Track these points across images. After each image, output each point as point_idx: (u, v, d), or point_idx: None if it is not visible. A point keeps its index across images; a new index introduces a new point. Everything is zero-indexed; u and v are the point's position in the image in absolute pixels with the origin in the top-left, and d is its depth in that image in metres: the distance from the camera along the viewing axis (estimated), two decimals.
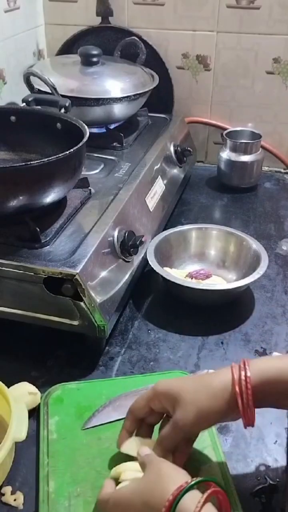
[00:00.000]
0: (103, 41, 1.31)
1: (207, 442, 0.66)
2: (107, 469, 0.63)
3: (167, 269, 0.92)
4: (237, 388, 0.55)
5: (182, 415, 0.57)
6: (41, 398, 0.72)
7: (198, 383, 0.59)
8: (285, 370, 0.55)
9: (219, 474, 0.62)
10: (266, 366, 0.57)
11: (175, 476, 0.52)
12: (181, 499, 0.48)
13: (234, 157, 1.27)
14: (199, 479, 0.51)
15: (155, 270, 0.89)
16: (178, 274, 0.93)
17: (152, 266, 0.90)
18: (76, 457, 0.65)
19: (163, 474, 0.53)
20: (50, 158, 0.73)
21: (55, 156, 0.74)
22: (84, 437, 0.67)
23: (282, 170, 1.42)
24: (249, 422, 0.56)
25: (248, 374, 0.55)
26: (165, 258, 0.96)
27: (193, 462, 0.63)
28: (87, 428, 0.68)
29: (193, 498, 0.49)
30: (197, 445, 0.65)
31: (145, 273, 0.95)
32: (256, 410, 0.56)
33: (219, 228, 1.02)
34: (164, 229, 1.05)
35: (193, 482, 0.50)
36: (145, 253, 0.92)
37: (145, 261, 0.92)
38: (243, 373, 0.56)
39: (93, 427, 0.69)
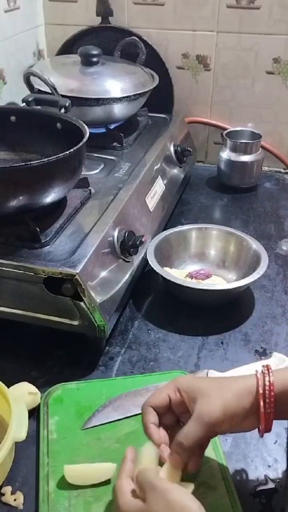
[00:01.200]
0: (103, 41, 1.31)
1: None
2: None
3: (167, 269, 0.92)
4: (260, 390, 0.55)
5: (208, 408, 0.55)
6: (41, 398, 0.72)
7: (221, 381, 0.59)
8: None
9: (219, 474, 0.62)
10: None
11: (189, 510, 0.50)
12: None
13: (234, 157, 1.27)
14: None
15: (155, 270, 0.89)
16: (178, 274, 0.93)
17: (152, 266, 0.90)
18: (76, 457, 0.65)
19: (174, 505, 0.50)
20: (50, 158, 0.73)
21: (55, 156, 0.74)
22: (84, 437, 0.67)
23: (282, 170, 1.42)
24: (268, 427, 0.56)
25: (272, 379, 0.55)
26: (165, 258, 0.96)
27: None
28: (87, 428, 0.68)
29: None
30: None
31: (145, 273, 0.95)
32: None
33: (219, 228, 1.02)
34: (164, 229, 1.05)
35: None
36: (145, 253, 0.92)
37: (145, 261, 0.92)
38: (267, 378, 0.55)
39: (93, 427, 0.69)
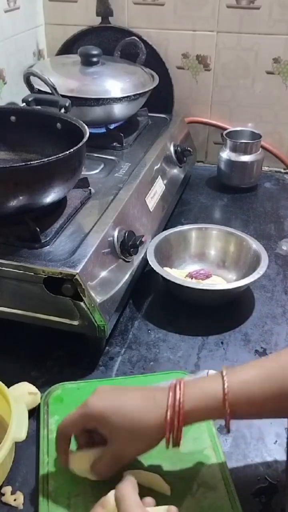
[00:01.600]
0: (103, 41, 1.31)
1: (207, 442, 0.66)
2: None
3: (167, 269, 0.92)
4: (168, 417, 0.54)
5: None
6: (41, 397, 0.72)
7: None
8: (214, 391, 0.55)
9: (219, 474, 0.62)
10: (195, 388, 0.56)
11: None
12: None
13: (234, 157, 1.27)
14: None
15: (155, 270, 0.89)
16: (178, 274, 0.93)
17: (152, 266, 0.90)
18: None
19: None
20: (50, 158, 0.73)
21: (55, 156, 0.74)
22: None
23: (282, 170, 1.42)
24: (176, 441, 0.55)
25: (181, 398, 0.55)
26: (165, 258, 0.96)
27: (193, 463, 0.63)
28: None
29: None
30: (197, 445, 0.65)
31: (145, 273, 0.95)
32: None
33: (219, 228, 1.02)
34: (164, 229, 1.05)
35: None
36: (145, 253, 0.92)
37: (145, 261, 0.92)
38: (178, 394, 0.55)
39: None
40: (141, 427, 0.55)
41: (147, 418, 0.55)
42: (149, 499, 0.54)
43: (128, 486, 0.52)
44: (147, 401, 0.56)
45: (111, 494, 0.53)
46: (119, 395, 0.59)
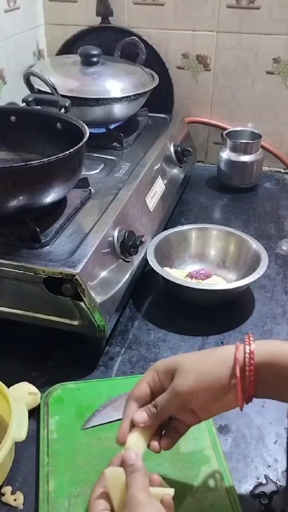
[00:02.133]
0: (103, 41, 1.31)
1: (207, 442, 0.66)
2: None
3: (167, 269, 0.92)
4: (238, 357, 0.53)
5: (181, 379, 0.54)
6: (41, 398, 0.72)
7: (202, 353, 0.58)
8: None
9: (218, 474, 0.62)
10: (272, 346, 0.54)
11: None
12: None
13: (234, 157, 1.27)
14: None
15: (155, 270, 0.89)
16: (178, 274, 0.93)
17: (152, 266, 0.90)
18: (76, 457, 0.65)
19: None
20: (50, 158, 0.73)
21: (55, 156, 0.74)
22: (84, 437, 0.67)
23: (282, 170, 1.42)
24: (247, 397, 0.53)
25: (253, 348, 0.53)
26: (165, 258, 0.96)
27: (194, 463, 0.63)
28: (87, 428, 0.68)
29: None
30: (197, 445, 0.65)
31: (145, 273, 0.95)
32: (256, 410, 0.56)
33: (219, 228, 1.02)
34: (164, 229, 1.05)
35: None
36: (145, 253, 0.92)
37: (145, 261, 0.92)
38: (248, 346, 0.53)
39: (93, 427, 0.69)
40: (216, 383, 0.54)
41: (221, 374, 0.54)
42: (155, 476, 0.54)
43: (141, 471, 0.51)
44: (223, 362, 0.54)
45: (107, 471, 0.53)
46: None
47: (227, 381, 0.53)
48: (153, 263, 0.90)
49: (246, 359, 0.52)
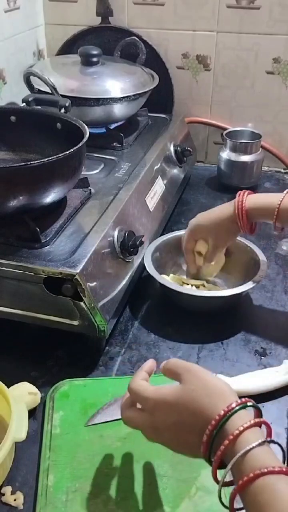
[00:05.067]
0: (103, 41, 1.31)
1: None
2: (107, 466, 0.63)
3: (164, 276, 0.91)
4: (237, 203, 0.86)
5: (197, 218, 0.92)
6: (47, 392, 0.72)
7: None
8: (272, 203, 0.85)
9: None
10: (258, 198, 0.87)
11: (225, 393, 0.53)
12: (229, 417, 0.49)
13: (234, 157, 1.27)
14: (249, 403, 0.52)
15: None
16: (176, 280, 0.92)
17: (149, 272, 0.88)
18: (77, 453, 0.65)
19: (211, 386, 0.53)
20: (50, 158, 0.73)
21: (55, 156, 0.74)
22: (86, 433, 0.68)
23: (282, 170, 1.42)
24: (245, 228, 0.87)
25: (245, 199, 0.86)
26: (162, 264, 0.94)
27: (194, 466, 0.63)
28: (90, 425, 0.69)
29: (241, 418, 0.50)
30: None
31: (145, 273, 0.95)
32: None
33: None
34: (164, 229, 1.05)
35: (246, 405, 0.51)
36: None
37: None
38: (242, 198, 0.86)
39: (96, 424, 0.69)
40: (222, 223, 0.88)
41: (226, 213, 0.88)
42: (150, 362, 0.62)
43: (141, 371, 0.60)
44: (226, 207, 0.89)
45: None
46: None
47: (231, 219, 0.87)
48: (150, 269, 0.89)
49: (239, 205, 0.85)
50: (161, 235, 1.02)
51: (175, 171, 1.19)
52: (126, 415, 0.58)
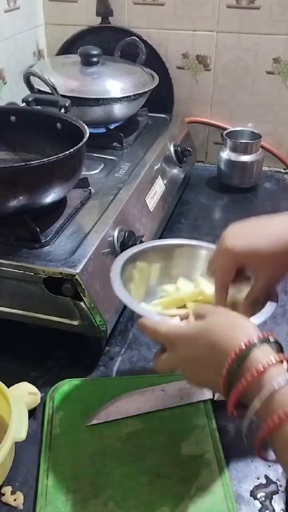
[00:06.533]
0: (103, 41, 1.31)
1: (209, 447, 0.66)
2: (107, 467, 0.63)
3: (143, 304, 0.71)
4: None
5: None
6: (47, 392, 0.72)
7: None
8: None
9: (218, 478, 0.62)
10: None
11: (247, 327, 0.51)
12: (251, 351, 0.47)
13: (234, 157, 1.27)
14: (272, 339, 0.49)
15: None
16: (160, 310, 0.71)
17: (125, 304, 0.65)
18: (77, 453, 0.65)
19: (232, 320, 0.52)
20: (50, 158, 0.73)
21: (55, 156, 0.74)
22: (86, 433, 0.68)
23: (282, 170, 1.42)
24: None
25: None
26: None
27: (194, 466, 0.63)
28: (90, 425, 0.69)
29: (264, 353, 0.47)
30: (199, 449, 0.66)
31: None
32: None
33: (208, 247, 0.76)
34: (164, 229, 1.05)
35: (269, 339, 0.49)
36: None
37: None
38: None
39: (96, 424, 0.69)
40: None
41: None
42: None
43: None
44: None
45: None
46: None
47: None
48: (124, 297, 0.65)
49: None
50: (161, 235, 1.03)
51: (175, 171, 1.19)
52: (155, 364, 0.56)
